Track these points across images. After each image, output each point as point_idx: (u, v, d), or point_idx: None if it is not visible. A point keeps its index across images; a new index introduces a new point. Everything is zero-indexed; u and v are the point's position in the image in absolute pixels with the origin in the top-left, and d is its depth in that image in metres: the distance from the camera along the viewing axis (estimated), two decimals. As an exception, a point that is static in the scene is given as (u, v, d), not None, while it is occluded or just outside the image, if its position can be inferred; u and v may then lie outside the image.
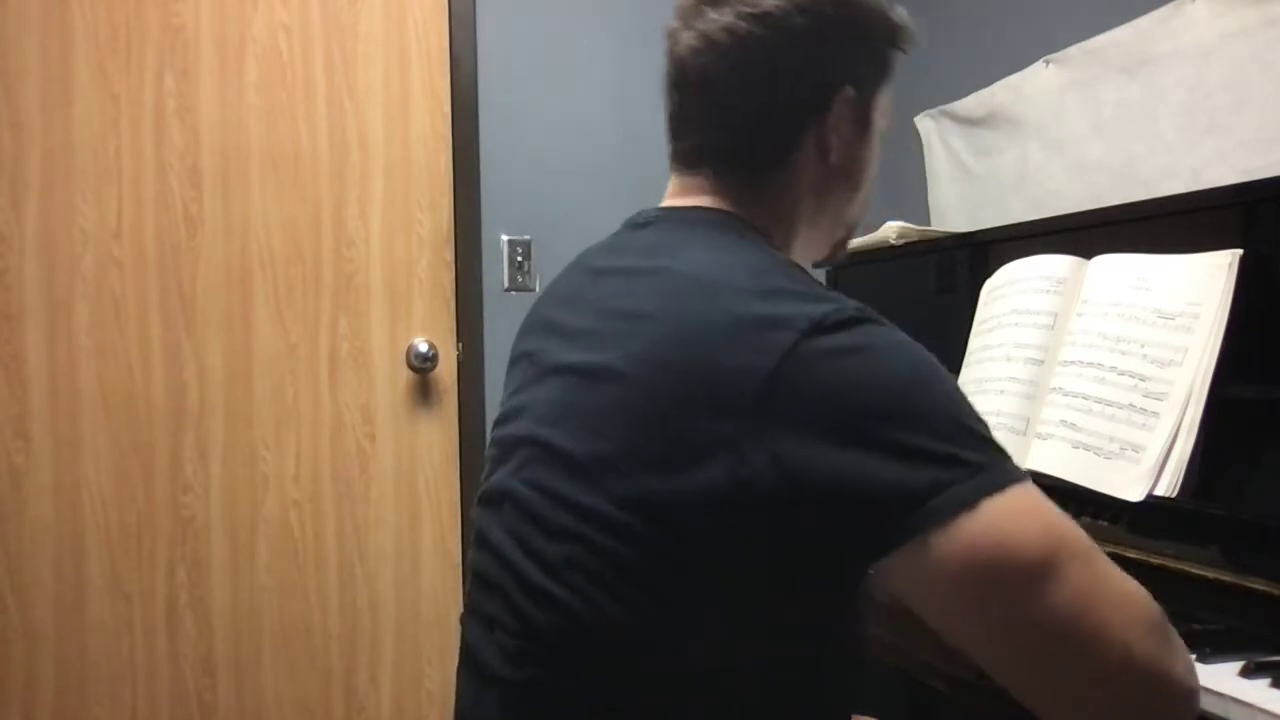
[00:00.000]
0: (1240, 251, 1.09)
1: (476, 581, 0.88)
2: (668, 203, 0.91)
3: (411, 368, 2.14)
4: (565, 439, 0.78)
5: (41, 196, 1.92)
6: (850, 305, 0.73)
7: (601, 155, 2.31)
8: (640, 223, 0.90)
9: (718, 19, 0.84)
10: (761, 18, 0.83)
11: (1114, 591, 0.68)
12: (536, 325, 0.93)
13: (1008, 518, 0.67)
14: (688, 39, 0.86)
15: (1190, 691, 0.69)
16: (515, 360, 0.94)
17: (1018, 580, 0.66)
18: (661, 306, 0.77)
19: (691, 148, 0.89)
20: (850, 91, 0.86)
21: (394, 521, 2.15)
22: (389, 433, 2.14)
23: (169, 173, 1.99)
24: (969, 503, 0.66)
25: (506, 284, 2.23)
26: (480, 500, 0.90)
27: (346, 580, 2.11)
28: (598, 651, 0.75)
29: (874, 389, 0.69)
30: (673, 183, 0.92)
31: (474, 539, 0.90)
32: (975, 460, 0.68)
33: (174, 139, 2.00)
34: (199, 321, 2.01)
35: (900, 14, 0.91)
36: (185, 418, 2.00)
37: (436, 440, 2.18)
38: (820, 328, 0.70)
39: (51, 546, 1.92)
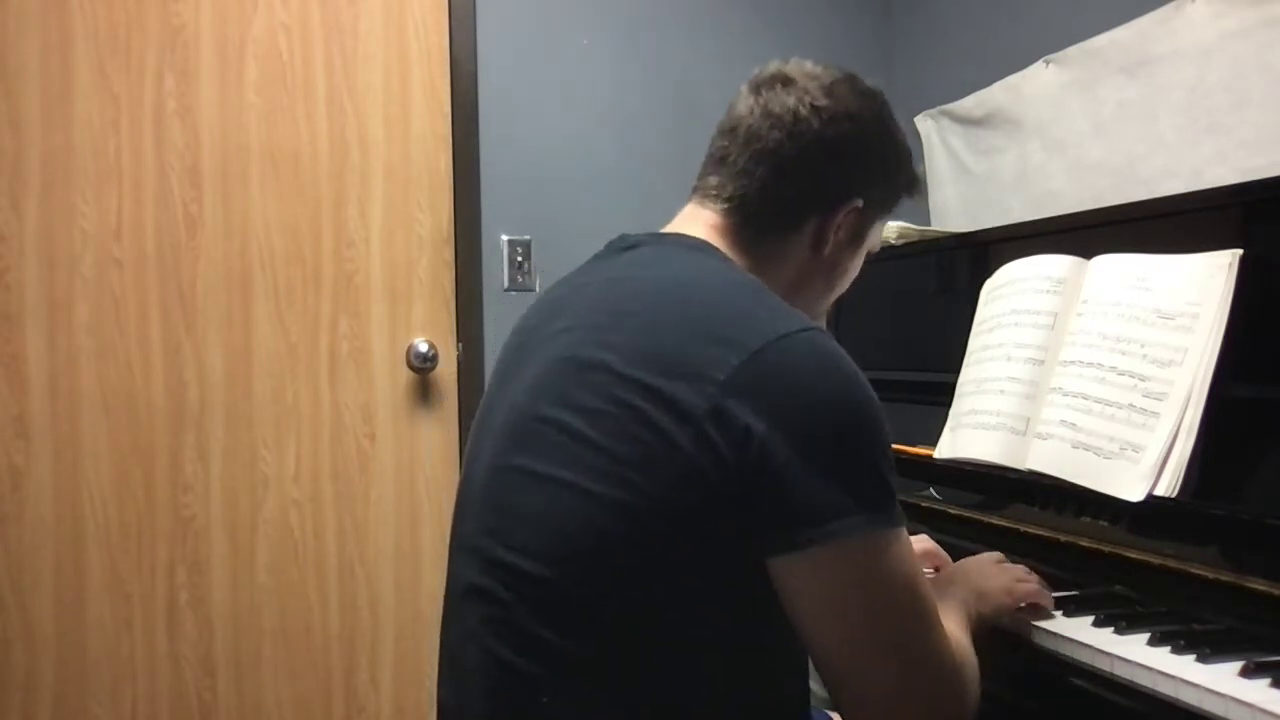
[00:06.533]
0: (1240, 251, 1.09)
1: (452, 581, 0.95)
2: (664, 230, 1.00)
3: (411, 368, 2.14)
4: (551, 418, 0.85)
5: (41, 196, 1.92)
6: (816, 326, 0.84)
7: (601, 155, 2.31)
8: (624, 245, 0.98)
9: (784, 98, 0.96)
10: (819, 110, 0.96)
11: (943, 648, 0.83)
12: (519, 337, 1.00)
13: (884, 559, 0.79)
14: (751, 102, 0.98)
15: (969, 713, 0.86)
16: (499, 363, 1.02)
17: (875, 611, 0.80)
18: (645, 305, 0.86)
19: (718, 184, 0.99)
20: (859, 203, 0.99)
21: (394, 521, 2.15)
22: (389, 433, 2.14)
23: (169, 173, 1.99)
24: (860, 534, 0.78)
25: (506, 284, 2.23)
26: (459, 493, 0.97)
27: (346, 580, 2.11)
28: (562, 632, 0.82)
29: (822, 404, 0.79)
30: (684, 211, 1.01)
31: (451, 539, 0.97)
32: (878, 500, 0.79)
33: (174, 139, 2.00)
34: (199, 321, 2.01)
35: (920, 169, 1.07)
36: (185, 418, 2.00)
37: (436, 440, 2.18)
38: (788, 336, 0.81)
39: (51, 546, 1.92)
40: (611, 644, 0.81)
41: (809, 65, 1.00)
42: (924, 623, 0.82)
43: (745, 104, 0.99)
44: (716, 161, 1.00)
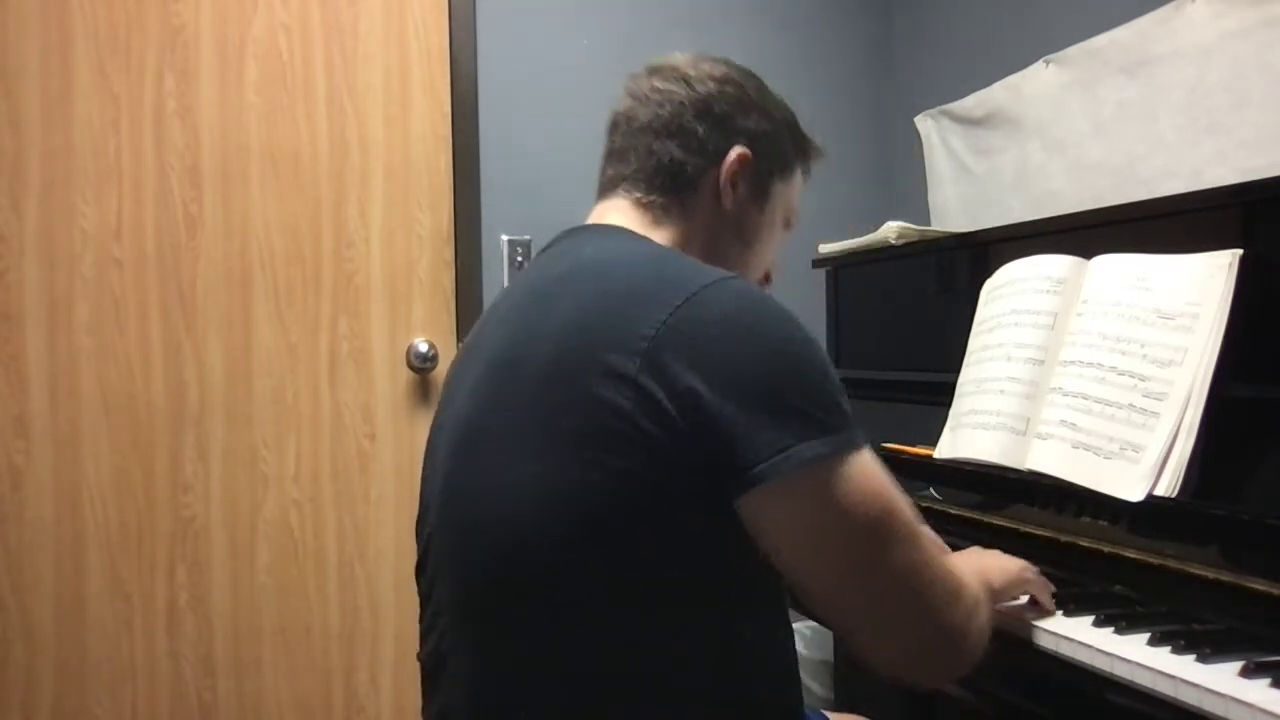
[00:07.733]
0: (1240, 251, 1.09)
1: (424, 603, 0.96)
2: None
3: (411, 368, 2.14)
4: (493, 421, 0.87)
5: (41, 196, 1.92)
6: (739, 275, 0.85)
7: (601, 155, 2.30)
8: (544, 248, 1.02)
9: (651, 82, 1.03)
10: (683, 78, 1.01)
11: (933, 565, 0.82)
12: (465, 351, 1.02)
13: (850, 478, 0.79)
14: (627, 102, 1.05)
15: (975, 649, 0.85)
16: (445, 384, 1.04)
17: (851, 534, 0.79)
18: (567, 288, 0.88)
19: (614, 174, 1.03)
20: (746, 151, 1.00)
21: (394, 521, 2.15)
22: (389, 433, 2.14)
23: (169, 173, 1.99)
24: (820, 458, 0.77)
25: (506, 284, 2.23)
26: (417, 522, 0.96)
27: (346, 580, 2.11)
28: (537, 628, 0.82)
29: (751, 342, 0.80)
30: (594, 210, 1.05)
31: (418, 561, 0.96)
32: (831, 423, 0.79)
33: (174, 139, 2.00)
34: (199, 321, 2.01)
35: (812, 134, 1.09)
36: (185, 418, 2.00)
37: (436, 440, 2.18)
38: (709, 286, 0.81)
39: (51, 546, 1.92)
40: (589, 651, 0.80)
41: (680, 55, 1.05)
42: (908, 540, 0.80)
43: (623, 103, 1.05)
44: (608, 156, 1.05)
